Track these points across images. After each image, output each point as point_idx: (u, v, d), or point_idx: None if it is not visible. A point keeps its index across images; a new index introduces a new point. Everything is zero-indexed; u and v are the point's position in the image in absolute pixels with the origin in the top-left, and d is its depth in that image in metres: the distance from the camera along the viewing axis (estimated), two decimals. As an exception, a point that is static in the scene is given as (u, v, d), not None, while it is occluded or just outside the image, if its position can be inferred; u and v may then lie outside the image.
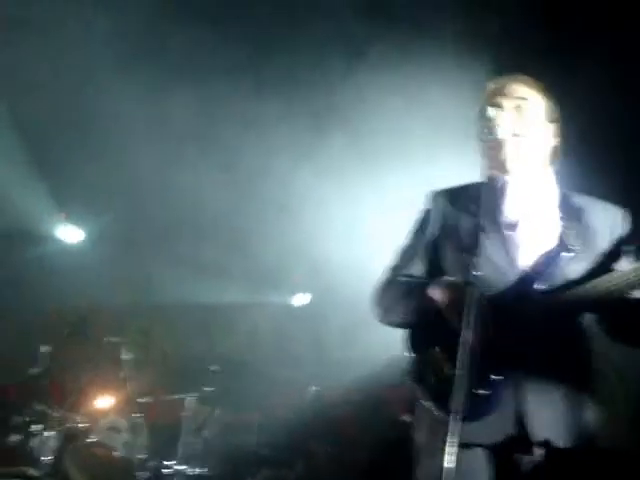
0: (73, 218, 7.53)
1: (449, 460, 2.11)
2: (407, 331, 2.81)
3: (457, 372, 2.51)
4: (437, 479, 2.14)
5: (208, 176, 6.50)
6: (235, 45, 5.76)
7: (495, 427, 2.53)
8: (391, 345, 2.95)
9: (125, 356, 6.03)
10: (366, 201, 6.25)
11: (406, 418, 5.92)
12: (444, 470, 2.11)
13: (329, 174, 6.29)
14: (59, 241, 7.67)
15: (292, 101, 6.07)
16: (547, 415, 2.54)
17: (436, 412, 2.64)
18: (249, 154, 6.40)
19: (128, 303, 7.61)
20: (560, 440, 2.52)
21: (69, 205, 7.32)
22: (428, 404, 2.67)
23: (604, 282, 2.51)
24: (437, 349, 2.66)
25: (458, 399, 2.14)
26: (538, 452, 2.51)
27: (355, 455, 6.58)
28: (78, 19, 5.66)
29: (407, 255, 3.01)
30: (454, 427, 2.12)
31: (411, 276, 2.93)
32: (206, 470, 5.88)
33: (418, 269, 2.93)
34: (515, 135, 2.77)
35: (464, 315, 2.47)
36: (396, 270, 3.00)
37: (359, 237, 6.26)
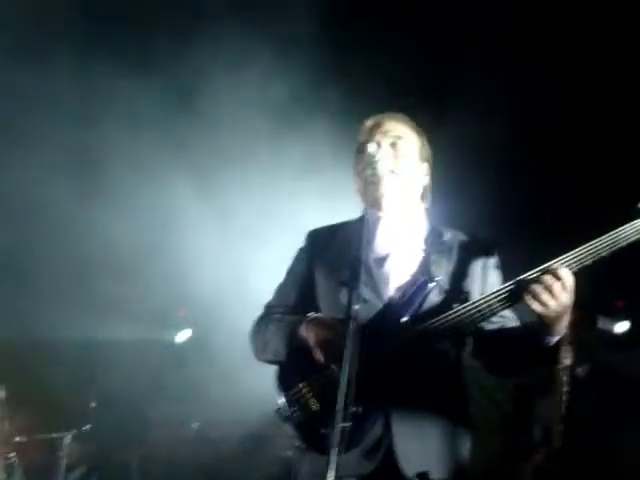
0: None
1: None
2: (276, 369, 2.86)
3: (323, 406, 2.60)
4: None
5: (95, 205, 6.40)
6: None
7: (367, 459, 2.61)
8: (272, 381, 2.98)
9: (2, 394, 5.86)
10: (256, 239, 6.30)
11: (289, 453, 5.97)
12: None
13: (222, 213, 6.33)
14: None
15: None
16: (416, 446, 2.62)
17: (306, 447, 2.71)
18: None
19: (4, 338, 7.38)
20: (433, 471, 2.60)
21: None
22: (298, 440, 2.72)
23: (462, 311, 2.61)
24: (302, 385, 2.72)
25: (332, 433, 2.14)
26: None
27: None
28: None
29: (282, 292, 3.10)
30: (329, 461, 2.11)
31: (284, 313, 2.99)
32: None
33: (292, 306, 3.01)
34: (391, 172, 2.89)
35: (332, 351, 2.58)
36: (271, 308, 3.08)
37: (246, 273, 6.28)
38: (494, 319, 2.67)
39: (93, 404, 6.17)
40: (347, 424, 2.14)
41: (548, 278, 2.45)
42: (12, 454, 5.63)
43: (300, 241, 3.13)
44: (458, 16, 5.63)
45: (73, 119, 5.95)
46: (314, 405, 2.68)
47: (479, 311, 2.59)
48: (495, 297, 2.57)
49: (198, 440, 6.77)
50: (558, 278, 2.45)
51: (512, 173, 5.65)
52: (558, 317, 2.49)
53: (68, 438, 5.86)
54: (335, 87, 5.81)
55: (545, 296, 2.44)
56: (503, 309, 2.60)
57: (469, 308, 2.60)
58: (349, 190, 3.08)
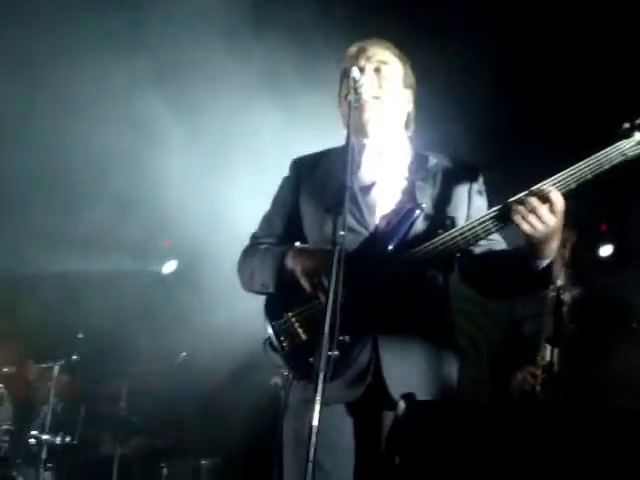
0: None
1: (313, 419, 2.12)
2: (264, 299, 2.86)
3: (311, 335, 2.62)
4: (303, 440, 2.19)
5: (77, 138, 6.32)
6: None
7: (355, 386, 2.63)
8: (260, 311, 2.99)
9: (-11, 327, 5.89)
10: (237, 165, 6.25)
11: (276, 381, 6.03)
12: (309, 429, 2.12)
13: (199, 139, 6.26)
14: None
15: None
16: (403, 370, 2.65)
17: (295, 376, 2.73)
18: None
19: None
20: (420, 393, 2.63)
21: None
22: (285, 369, 2.75)
23: (448, 237, 2.62)
24: (291, 315, 2.72)
25: (317, 361, 2.17)
26: (400, 406, 2.63)
27: (226, 420, 6.66)
28: None
29: (268, 222, 3.09)
30: (316, 387, 2.14)
31: (271, 243, 2.99)
32: (74, 439, 5.83)
33: (279, 236, 3.01)
34: (375, 97, 2.88)
35: (317, 280, 2.59)
36: (257, 238, 3.08)
37: (230, 202, 6.26)
38: (481, 242, 2.68)
39: (80, 335, 6.17)
40: (334, 352, 2.16)
41: (534, 200, 2.45)
42: (0, 385, 5.68)
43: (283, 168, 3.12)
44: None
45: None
46: (302, 334, 2.69)
47: (465, 236, 2.60)
48: (482, 221, 2.58)
49: (185, 370, 6.82)
50: (546, 200, 2.44)
51: (496, 92, 5.60)
52: (547, 239, 2.49)
53: (56, 369, 5.90)
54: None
55: (533, 218, 2.44)
56: (490, 233, 2.60)
57: (455, 234, 2.61)
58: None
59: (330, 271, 2.27)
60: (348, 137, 2.54)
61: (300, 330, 2.70)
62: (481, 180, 2.94)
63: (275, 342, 2.73)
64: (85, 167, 6.38)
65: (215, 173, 6.22)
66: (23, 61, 5.74)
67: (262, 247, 3.00)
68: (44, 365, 5.99)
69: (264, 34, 5.65)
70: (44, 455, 5.50)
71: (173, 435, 6.86)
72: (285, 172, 3.12)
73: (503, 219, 2.54)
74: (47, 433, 5.58)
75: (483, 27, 5.53)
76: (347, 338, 2.46)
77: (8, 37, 5.49)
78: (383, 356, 2.64)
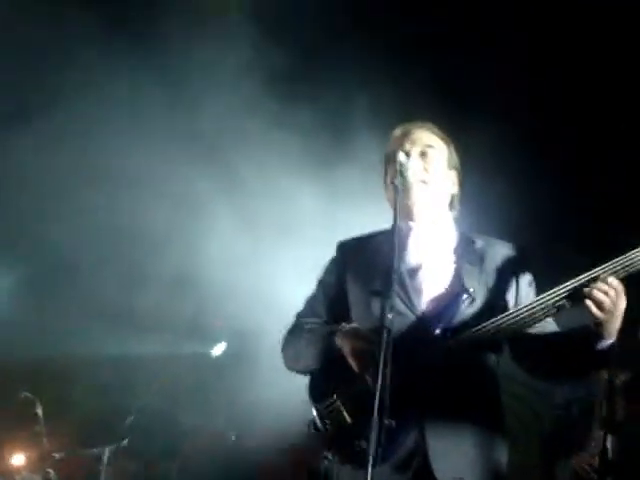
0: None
1: None
2: (308, 380, 2.87)
3: (356, 419, 2.58)
4: None
5: (129, 222, 6.43)
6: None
7: (401, 471, 2.60)
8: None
9: (40, 411, 5.91)
10: (281, 243, 6.28)
11: (325, 465, 5.94)
12: None
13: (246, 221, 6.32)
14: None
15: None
16: (451, 456, 2.61)
17: (339, 461, 2.69)
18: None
19: (43, 356, 7.45)
20: (466, 477, 2.59)
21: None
22: (329, 453, 2.71)
23: (501, 320, 2.61)
24: (336, 397, 2.72)
25: (367, 445, 2.14)
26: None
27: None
28: None
29: (312, 303, 3.11)
30: (362, 474, 2.12)
31: (315, 323, 3.00)
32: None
33: (322, 317, 3.03)
34: (422, 182, 2.89)
35: (367, 362, 2.56)
36: (301, 318, 3.08)
37: (275, 280, 6.28)
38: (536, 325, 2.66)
39: (129, 419, 6.18)
40: (381, 437, 2.13)
41: (605, 285, 2.47)
42: (51, 470, 5.67)
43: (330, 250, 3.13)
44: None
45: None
46: (347, 418, 2.68)
47: (518, 319, 2.60)
48: (540, 304, 2.59)
49: (235, 450, 6.77)
50: (610, 284, 2.47)
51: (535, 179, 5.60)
52: (612, 320, 2.51)
53: (106, 453, 5.89)
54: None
55: (606, 302, 2.47)
56: (548, 316, 2.61)
57: (507, 317, 2.61)
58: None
59: (379, 354, 2.26)
60: (395, 220, 2.58)
61: (345, 413, 2.68)
62: (530, 265, 2.94)
63: (319, 424, 2.72)
64: (138, 246, 6.48)
65: (261, 251, 6.27)
66: (79, 134, 5.91)
67: (307, 327, 3.02)
68: (94, 450, 5.97)
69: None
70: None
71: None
72: (327, 249, 3.15)
73: (570, 303, 2.55)
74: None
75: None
76: (393, 423, 2.43)
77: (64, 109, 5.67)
78: (430, 441, 2.61)
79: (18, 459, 5.94)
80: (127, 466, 6.22)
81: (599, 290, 2.47)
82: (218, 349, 8.36)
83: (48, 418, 5.96)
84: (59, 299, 7.23)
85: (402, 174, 2.71)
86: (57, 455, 5.86)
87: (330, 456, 2.74)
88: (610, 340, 2.57)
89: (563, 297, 2.55)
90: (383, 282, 2.44)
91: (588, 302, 2.48)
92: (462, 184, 3.10)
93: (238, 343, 7.85)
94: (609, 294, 2.46)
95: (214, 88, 5.91)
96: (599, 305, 2.47)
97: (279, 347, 3.09)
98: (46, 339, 7.45)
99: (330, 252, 3.13)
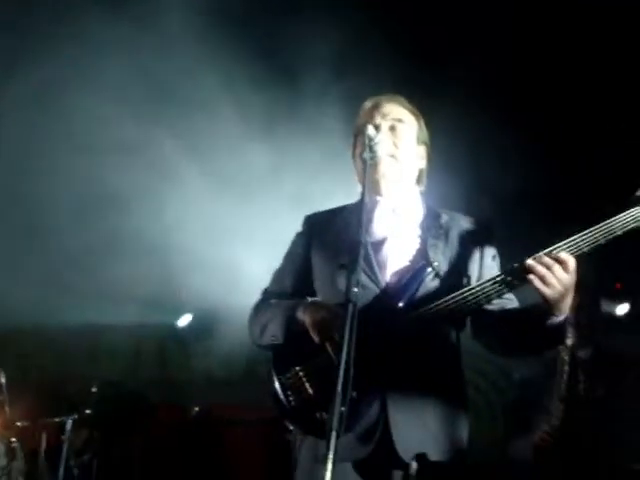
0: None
1: (325, 478, 2.08)
2: (272, 353, 2.86)
3: (318, 390, 2.60)
4: None
5: (92, 196, 6.38)
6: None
7: (363, 443, 2.62)
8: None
9: (3, 379, 5.87)
10: (258, 216, 6.27)
11: (290, 437, 5.99)
12: None
13: (223, 191, 6.29)
14: None
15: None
16: (413, 429, 2.64)
17: (302, 432, 2.72)
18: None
19: (6, 325, 7.40)
20: (430, 453, 2.61)
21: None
22: (291, 425, 2.73)
23: (459, 297, 2.62)
24: (298, 369, 2.72)
25: (330, 417, 2.13)
26: (412, 467, 2.60)
27: (241, 474, 6.60)
28: None
29: (279, 278, 3.11)
30: (328, 445, 2.11)
31: (281, 298, 3.00)
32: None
33: (289, 291, 3.03)
34: (390, 156, 2.90)
35: (327, 333, 2.58)
36: (268, 293, 3.10)
37: (247, 256, 6.27)
38: (494, 301, 2.67)
39: (94, 389, 6.17)
40: (344, 408, 2.14)
41: (549, 260, 2.48)
42: (14, 439, 5.65)
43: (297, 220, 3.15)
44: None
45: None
46: (309, 389, 2.68)
47: (476, 296, 2.60)
48: (495, 281, 2.59)
49: (200, 423, 6.78)
50: (559, 261, 2.47)
51: (507, 155, 5.62)
52: (562, 297, 2.51)
53: (70, 423, 5.87)
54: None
55: (549, 276, 2.46)
56: (502, 293, 2.61)
57: (466, 293, 2.62)
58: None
59: (343, 327, 2.25)
60: (363, 194, 2.56)
61: (307, 385, 2.69)
62: (494, 240, 2.95)
63: (282, 396, 2.72)
64: (105, 214, 6.43)
65: (231, 226, 6.25)
66: (56, 94, 5.82)
67: (273, 301, 3.02)
68: (57, 419, 5.96)
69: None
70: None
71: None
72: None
73: (517, 279, 2.56)
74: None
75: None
76: (354, 394, 2.44)
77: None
78: (392, 414, 2.63)
79: (-20, 428, 5.90)
80: (90, 436, 6.20)
81: (542, 264, 2.47)
82: (183, 320, 8.36)
83: (11, 386, 5.93)
84: (22, 267, 7.18)
85: (371, 148, 2.68)
86: (20, 424, 5.85)
87: (292, 428, 2.76)
88: (561, 317, 2.57)
89: (510, 274, 2.57)
90: (349, 256, 2.43)
91: (530, 276, 2.48)
92: (430, 158, 3.10)
93: (204, 315, 7.86)
94: (552, 268, 2.46)
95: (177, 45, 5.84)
96: (542, 279, 2.47)
97: (245, 321, 3.10)
98: (10, 308, 7.40)
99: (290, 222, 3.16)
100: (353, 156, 3.07)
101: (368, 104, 3.05)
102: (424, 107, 3.13)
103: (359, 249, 2.42)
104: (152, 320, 8.12)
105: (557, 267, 2.47)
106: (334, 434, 2.11)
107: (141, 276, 7.07)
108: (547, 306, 2.54)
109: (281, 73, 5.86)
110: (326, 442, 2.11)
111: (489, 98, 5.65)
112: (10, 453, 5.57)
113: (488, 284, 2.60)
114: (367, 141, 2.69)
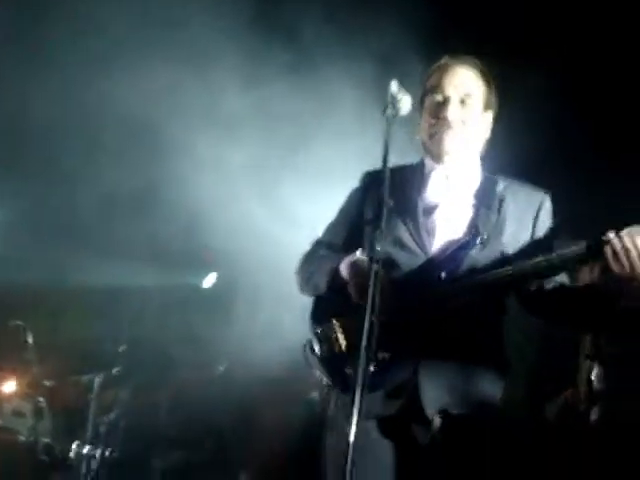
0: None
1: (350, 434, 2.12)
2: (312, 302, 2.92)
3: (350, 346, 2.60)
4: (341, 453, 2.18)
5: (122, 157, 6.35)
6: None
7: (390, 401, 2.64)
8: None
9: (31, 339, 5.92)
10: (280, 176, 6.22)
11: (315, 395, 6.01)
12: (347, 444, 2.13)
13: (242, 145, 6.22)
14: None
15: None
16: (440, 386, 2.65)
17: (331, 385, 2.72)
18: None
19: (35, 286, 7.45)
20: (455, 409, 2.63)
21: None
22: (321, 375, 2.74)
23: (504, 272, 2.61)
24: (334, 321, 2.74)
25: (357, 373, 2.16)
26: (435, 422, 2.59)
27: (265, 432, 6.63)
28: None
29: (331, 230, 3.17)
30: (353, 402, 2.14)
31: (332, 251, 3.03)
32: (114, 452, 5.84)
33: (340, 245, 3.05)
34: (456, 131, 2.86)
35: (365, 292, 2.56)
36: (319, 244, 3.14)
37: (274, 216, 6.24)
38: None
39: (122, 348, 6.21)
40: (371, 366, 2.14)
41: (628, 240, 2.41)
42: (41, 398, 5.71)
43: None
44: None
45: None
46: (342, 343, 2.71)
47: (541, 267, 2.58)
48: (562, 256, 2.55)
49: (225, 381, 6.82)
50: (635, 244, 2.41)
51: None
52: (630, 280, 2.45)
53: (97, 381, 5.93)
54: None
55: (625, 258, 2.41)
56: (566, 269, 2.62)
57: (511, 269, 2.61)
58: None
59: (379, 286, 2.28)
60: (386, 153, 2.54)
61: (341, 338, 2.72)
62: (549, 209, 2.90)
63: (315, 346, 2.78)
64: (131, 182, 6.42)
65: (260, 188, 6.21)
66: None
67: (321, 252, 3.07)
68: (85, 378, 6.01)
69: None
70: (84, 469, 5.52)
71: (212, 447, 6.84)
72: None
73: (592, 255, 2.51)
74: (87, 447, 5.59)
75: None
76: (387, 356, 2.44)
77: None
78: (422, 378, 2.63)
79: (9, 386, 5.97)
80: (117, 395, 6.25)
81: (620, 245, 2.42)
82: (209, 280, 8.37)
83: (39, 346, 5.99)
84: (55, 231, 7.21)
85: (394, 105, 2.62)
86: (48, 383, 5.90)
87: (322, 380, 2.79)
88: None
89: (584, 250, 2.51)
90: (393, 218, 2.50)
91: (609, 256, 2.43)
92: (496, 121, 3.04)
93: (229, 274, 7.86)
94: (631, 253, 2.39)
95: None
96: (620, 260, 2.41)
97: (275, 281, 3.15)
98: (37, 268, 7.45)
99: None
100: (419, 119, 3.00)
101: (438, 67, 2.98)
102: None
103: (405, 214, 2.55)
104: (178, 280, 8.15)
105: (634, 252, 2.40)
106: (359, 392, 2.12)
107: (167, 235, 7.08)
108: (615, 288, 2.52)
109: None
110: (350, 398, 2.14)
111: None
112: (38, 412, 5.63)
113: (555, 258, 2.56)
114: (389, 98, 2.63)
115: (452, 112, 2.80)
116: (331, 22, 5.57)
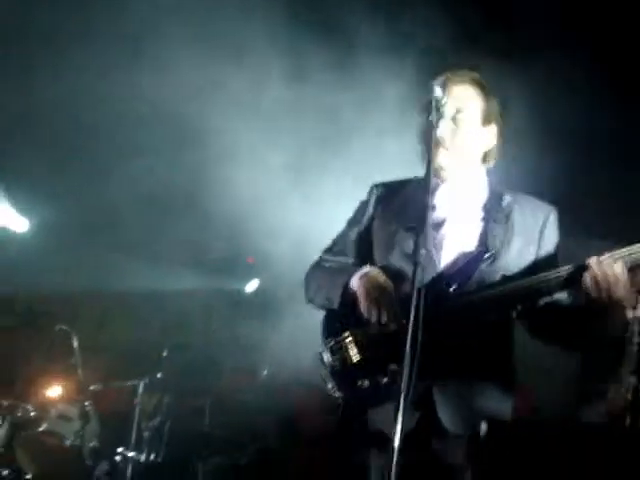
0: (19, 206, 7.39)
1: (395, 439, 2.11)
2: (324, 314, 2.93)
3: (362, 358, 2.60)
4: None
5: (165, 160, 6.39)
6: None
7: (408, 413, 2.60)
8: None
9: (76, 343, 5.99)
10: (319, 185, 6.22)
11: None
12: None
13: (286, 162, 6.24)
14: (5, 230, 7.54)
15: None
16: (454, 403, 2.65)
17: (337, 393, 2.72)
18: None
19: (80, 290, 7.54)
20: (470, 427, 2.60)
21: (14, 193, 7.20)
22: (331, 388, 2.74)
23: (513, 286, 2.61)
24: (347, 334, 2.76)
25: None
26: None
27: (307, 437, 6.63)
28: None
29: (340, 241, 3.15)
30: (395, 418, 2.14)
31: (340, 261, 3.05)
32: (158, 457, 5.89)
33: (347, 256, 3.06)
34: (447, 147, 2.86)
35: (376, 306, 2.63)
36: (327, 254, 3.13)
37: (313, 222, 6.24)
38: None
39: (165, 353, 6.26)
40: (385, 379, 2.14)
41: (607, 266, 2.43)
42: (87, 402, 5.77)
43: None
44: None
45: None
46: (354, 356, 2.71)
47: (535, 288, 2.58)
48: (549, 278, 2.56)
49: (268, 386, 6.84)
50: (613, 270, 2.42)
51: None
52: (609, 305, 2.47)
53: (141, 386, 5.98)
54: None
55: (602, 286, 2.43)
56: (556, 291, 2.59)
57: (524, 283, 2.60)
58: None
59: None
60: (429, 159, 2.55)
61: (353, 351, 2.73)
62: (555, 224, 2.90)
63: (327, 358, 2.79)
64: (174, 185, 6.46)
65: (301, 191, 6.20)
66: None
67: (327, 264, 3.08)
68: (130, 383, 6.06)
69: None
70: (129, 473, 5.57)
71: (255, 452, 6.85)
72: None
73: (571, 280, 2.52)
74: (132, 451, 5.65)
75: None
76: (395, 367, 2.45)
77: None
78: (435, 390, 2.63)
79: (55, 391, 6.05)
80: (161, 399, 6.30)
81: (597, 274, 2.44)
82: (251, 286, 8.42)
83: (84, 351, 6.06)
84: (98, 235, 7.29)
85: (438, 109, 2.64)
86: (93, 387, 5.97)
87: (332, 390, 2.78)
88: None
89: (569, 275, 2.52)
90: (417, 219, 2.43)
91: (586, 282, 2.46)
92: (503, 134, 3.01)
93: (271, 280, 7.88)
94: (608, 279, 2.43)
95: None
96: (596, 288, 2.44)
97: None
98: (84, 274, 7.54)
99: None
100: (417, 136, 2.99)
101: (438, 82, 2.91)
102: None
103: (426, 213, 2.44)
104: (222, 285, 8.20)
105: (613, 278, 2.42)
106: (402, 401, 2.14)
107: (212, 241, 7.12)
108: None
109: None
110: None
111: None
112: (84, 416, 5.69)
113: (542, 279, 2.56)
114: (434, 102, 2.64)
115: (441, 129, 2.79)
116: (374, 17, 5.54)
